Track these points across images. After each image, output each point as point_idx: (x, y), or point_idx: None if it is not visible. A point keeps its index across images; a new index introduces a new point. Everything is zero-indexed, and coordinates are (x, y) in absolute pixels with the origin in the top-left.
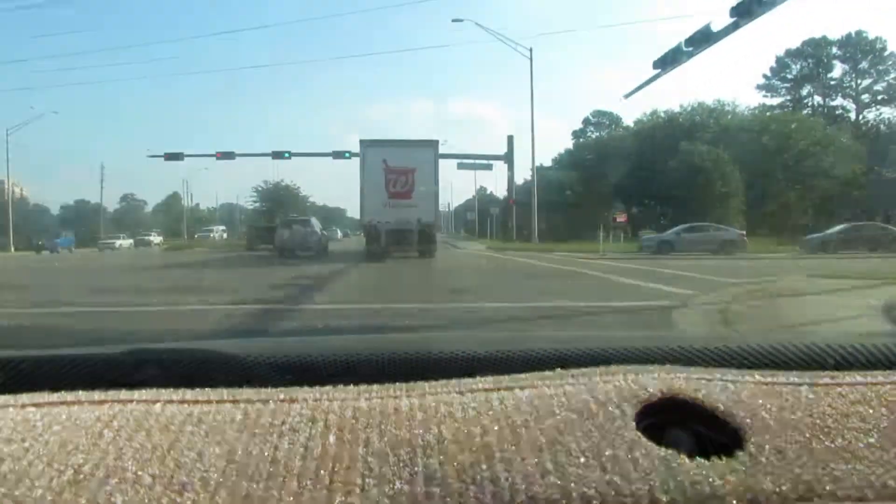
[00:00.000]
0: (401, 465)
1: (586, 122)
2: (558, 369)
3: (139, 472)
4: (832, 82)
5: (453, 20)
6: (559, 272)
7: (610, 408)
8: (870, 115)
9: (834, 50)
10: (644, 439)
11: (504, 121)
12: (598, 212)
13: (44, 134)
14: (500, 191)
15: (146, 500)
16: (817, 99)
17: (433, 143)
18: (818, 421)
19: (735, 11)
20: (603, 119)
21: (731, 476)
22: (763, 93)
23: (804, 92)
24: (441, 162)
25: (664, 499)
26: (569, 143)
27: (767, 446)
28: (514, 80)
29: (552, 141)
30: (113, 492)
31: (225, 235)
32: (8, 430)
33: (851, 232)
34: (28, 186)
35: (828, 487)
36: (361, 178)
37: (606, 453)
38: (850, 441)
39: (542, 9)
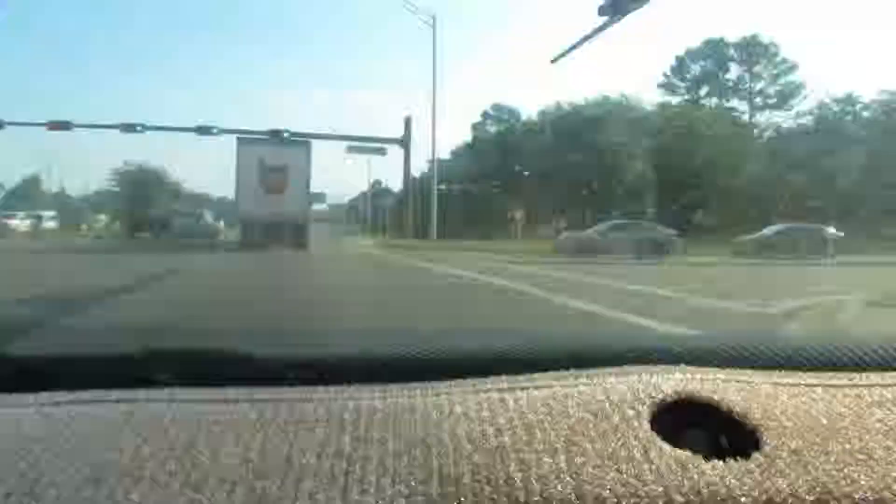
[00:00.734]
0: (416, 464)
1: (485, 115)
2: (573, 369)
3: (156, 471)
4: (729, 84)
5: None
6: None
7: (625, 408)
8: (762, 117)
9: (731, 52)
10: (659, 440)
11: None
12: (499, 208)
13: None
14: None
15: (163, 499)
16: (714, 100)
17: (306, 143)
18: (835, 422)
19: None
20: (502, 113)
21: (746, 477)
22: (663, 91)
23: (703, 92)
24: (335, 151)
25: (680, 500)
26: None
27: (783, 448)
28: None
29: (461, 131)
30: (130, 490)
31: (53, 224)
32: (26, 429)
33: (788, 233)
34: None
35: (845, 489)
36: (237, 174)
37: (621, 454)
38: (868, 443)
39: None
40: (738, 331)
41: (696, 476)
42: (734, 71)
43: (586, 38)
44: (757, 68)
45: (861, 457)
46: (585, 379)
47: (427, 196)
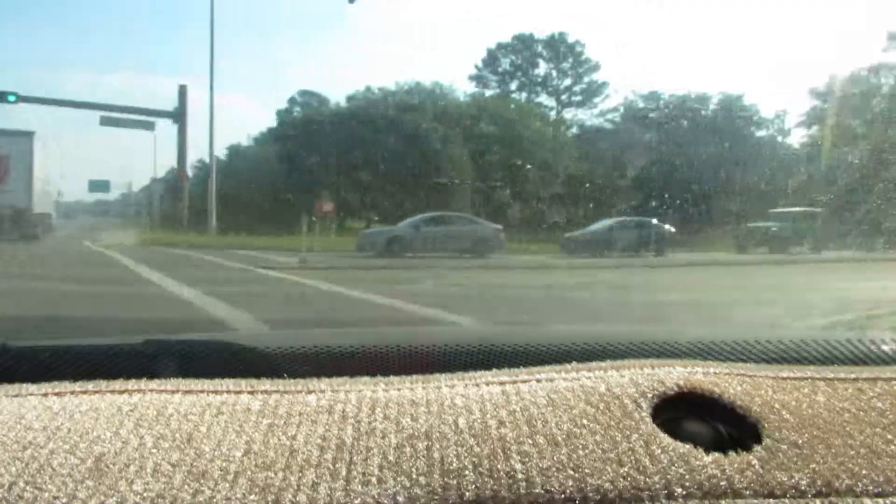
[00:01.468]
0: (418, 456)
1: (292, 101)
2: (575, 363)
3: (159, 461)
4: (538, 79)
5: None
6: None
7: (626, 402)
8: (568, 114)
9: (540, 48)
10: (661, 433)
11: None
12: (303, 199)
13: None
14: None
15: (166, 489)
16: (524, 95)
17: (29, 134)
18: (835, 416)
19: None
20: (311, 99)
21: (748, 471)
22: (475, 84)
23: (513, 86)
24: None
25: (681, 493)
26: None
27: (784, 441)
28: None
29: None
30: (133, 480)
31: None
32: (30, 419)
33: (619, 229)
34: None
35: (846, 483)
36: None
37: (623, 447)
38: (868, 437)
39: None
40: (740, 326)
41: (697, 469)
42: (542, 67)
43: None
44: (564, 65)
45: (862, 451)
46: (587, 372)
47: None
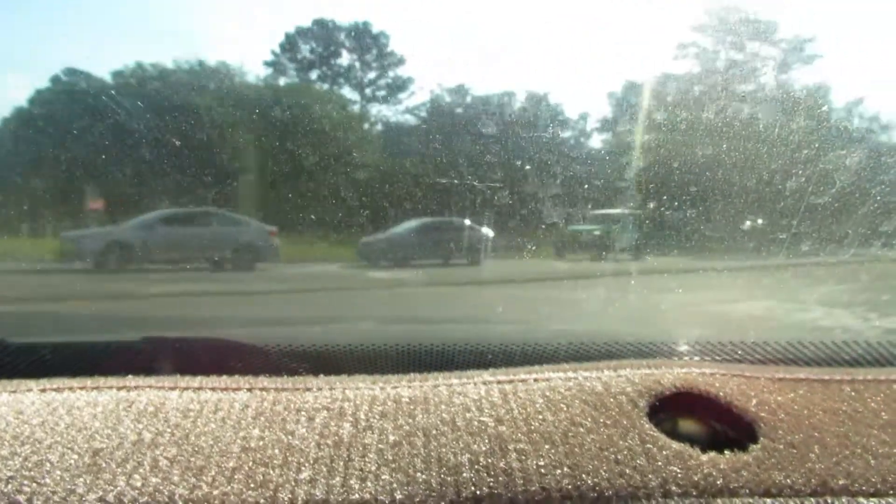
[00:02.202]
0: (415, 453)
1: (56, 80)
2: (572, 362)
3: (157, 457)
4: (340, 70)
5: None
6: None
7: (623, 401)
8: (373, 109)
9: (342, 37)
10: (657, 432)
11: None
12: (63, 193)
13: None
14: None
15: (163, 484)
16: (325, 86)
17: None
18: (831, 417)
19: None
20: (78, 79)
21: (744, 470)
22: (272, 71)
23: (313, 76)
24: None
25: (677, 492)
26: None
27: (781, 441)
28: None
29: None
30: (131, 475)
31: None
32: (29, 414)
33: (428, 231)
34: None
35: (841, 482)
36: None
37: (620, 446)
38: (864, 437)
39: None
40: (737, 327)
41: (693, 468)
42: (346, 58)
43: None
44: (368, 57)
45: (858, 451)
46: (584, 371)
47: None
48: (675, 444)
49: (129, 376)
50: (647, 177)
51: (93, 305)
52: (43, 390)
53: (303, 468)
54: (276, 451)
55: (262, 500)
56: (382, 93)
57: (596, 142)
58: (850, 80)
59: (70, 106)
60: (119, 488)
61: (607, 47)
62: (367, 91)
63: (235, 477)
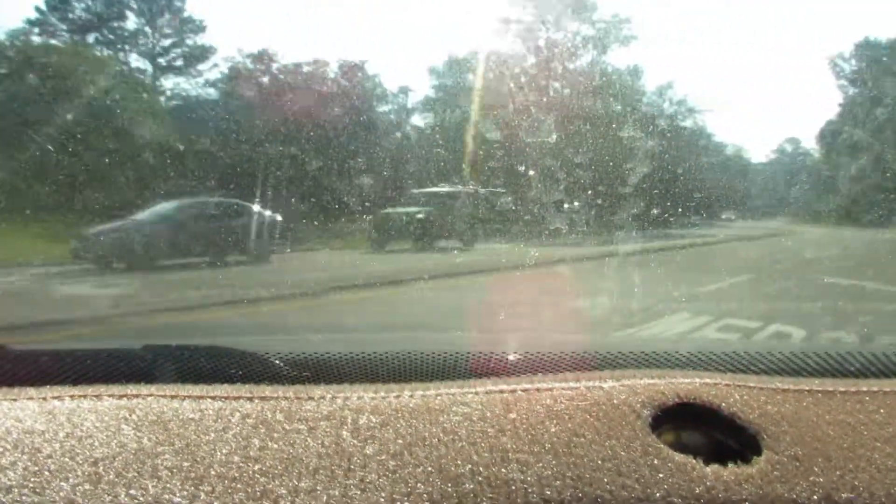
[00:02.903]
0: (416, 463)
1: None
2: (574, 371)
3: (157, 465)
4: (125, 35)
5: None
6: None
7: (626, 411)
8: (167, 82)
9: None
10: (660, 444)
11: None
12: None
13: None
14: None
15: (163, 493)
16: (108, 52)
17: None
18: (836, 429)
19: None
20: None
21: (747, 483)
22: (38, 32)
23: (91, 39)
24: None
25: None
26: None
27: (785, 453)
28: None
29: None
30: (131, 484)
31: None
32: (30, 422)
33: (192, 217)
34: None
35: (845, 495)
36: None
37: (622, 457)
38: (869, 449)
39: None
40: (741, 337)
41: (696, 480)
42: (132, 21)
43: None
44: (159, 22)
45: (862, 463)
46: (587, 381)
47: None
48: (678, 456)
49: (130, 384)
50: (470, 156)
51: None
52: (44, 398)
53: (303, 478)
54: (277, 460)
55: None
56: (179, 62)
57: (418, 118)
58: (663, 63)
59: None
60: (118, 497)
61: (428, 18)
62: (161, 60)
63: (236, 486)
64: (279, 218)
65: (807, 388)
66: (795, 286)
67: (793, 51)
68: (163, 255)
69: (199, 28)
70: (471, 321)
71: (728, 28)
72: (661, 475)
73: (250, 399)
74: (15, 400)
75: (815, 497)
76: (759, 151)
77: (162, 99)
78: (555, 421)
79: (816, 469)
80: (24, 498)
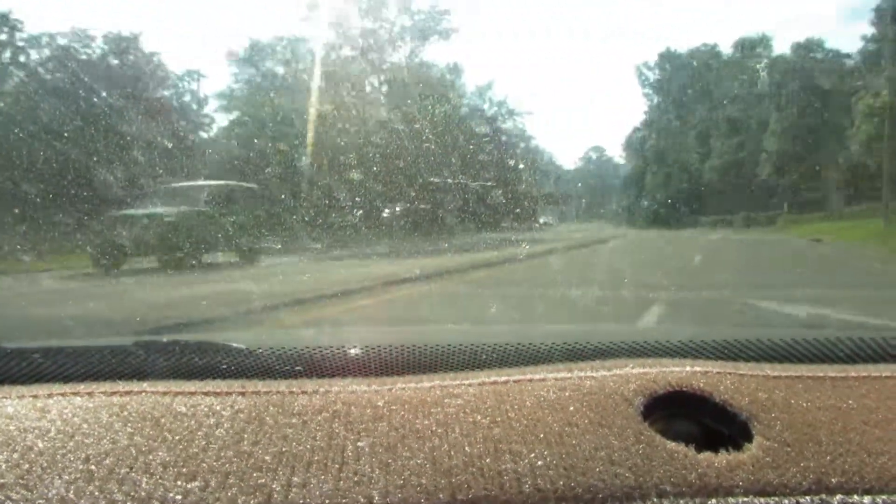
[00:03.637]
0: (409, 456)
1: None
2: (566, 362)
3: (149, 462)
4: None
5: None
6: None
7: (618, 400)
8: None
9: None
10: (652, 432)
11: None
12: None
13: None
14: None
15: (156, 489)
16: None
17: None
18: (826, 414)
19: None
20: None
21: (738, 470)
22: None
23: None
24: None
25: (672, 491)
26: None
27: (776, 440)
28: None
29: None
30: (123, 480)
31: None
32: (22, 420)
33: None
34: None
35: (836, 480)
36: None
37: (614, 446)
38: (859, 434)
39: None
40: (731, 324)
41: (688, 468)
42: None
43: None
44: None
45: (853, 448)
46: (579, 371)
47: None
48: (670, 444)
49: (122, 381)
50: (258, 151)
51: None
52: (35, 396)
53: (297, 472)
54: (270, 455)
55: None
56: None
57: (214, 107)
58: (485, 59)
59: None
60: (112, 494)
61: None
62: None
63: (229, 481)
64: None
65: (797, 375)
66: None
67: (602, 60)
68: None
69: None
70: None
71: (545, 35)
72: (653, 463)
73: (242, 394)
74: (6, 398)
75: (807, 482)
76: (567, 158)
77: None
78: (547, 411)
79: (807, 454)
80: (16, 495)
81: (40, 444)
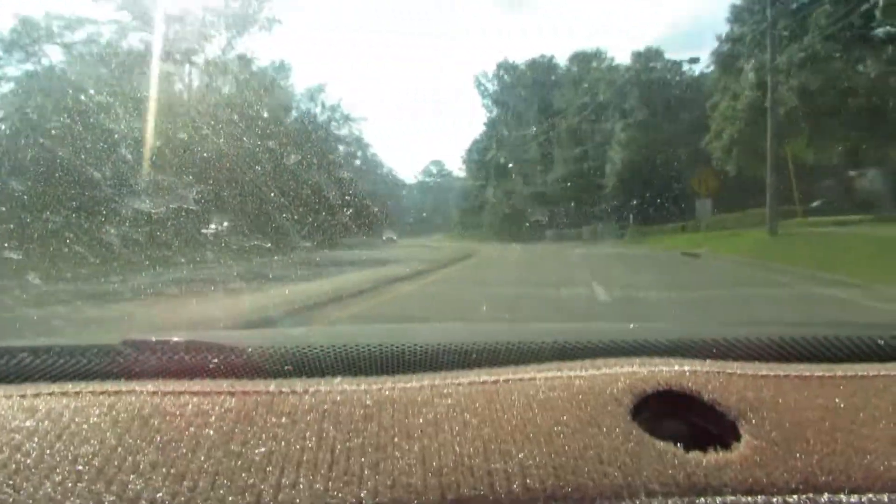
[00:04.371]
0: (399, 455)
1: None
2: (556, 361)
3: (138, 462)
4: None
5: None
6: None
7: (607, 399)
8: None
9: None
10: (641, 431)
11: None
12: None
13: None
14: None
15: (145, 490)
16: None
17: None
18: (814, 413)
19: None
20: None
21: (727, 468)
22: None
23: None
24: None
25: (660, 490)
26: None
27: (763, 439)
28: None
29: None
30: (112, 481)
31: None
32: (8, 420)
33: None
34: None
35: (823, 479)
36: None
37: (603, 445)
38: (847, 433)
39: None
40: (719, 323)
41: (677, 467)
42: None
43: None
44: None
45: (841, 447)
46: (568, 371)
47: None
48: (659, 443)
49: (110, 381)
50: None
51: None
52: (23, 395)
53: (286, 472)
54: (259, 455)
55: None
56: None
57: None
58: (318, 62)
59: None
60: (100, 495)
61: None
62: None
63: (218, 482)
64: None
65: (785, 374)
66: None
67: (444, 72)
68: None
69: None
70: None
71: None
72: (642, 462)
73: (231, 393)
74: None
75: (795, 481)
76: (408, 172)
77: None
78: (537, 411)
79: (795, 453)
80: (3, 496)
81: (28, 445)
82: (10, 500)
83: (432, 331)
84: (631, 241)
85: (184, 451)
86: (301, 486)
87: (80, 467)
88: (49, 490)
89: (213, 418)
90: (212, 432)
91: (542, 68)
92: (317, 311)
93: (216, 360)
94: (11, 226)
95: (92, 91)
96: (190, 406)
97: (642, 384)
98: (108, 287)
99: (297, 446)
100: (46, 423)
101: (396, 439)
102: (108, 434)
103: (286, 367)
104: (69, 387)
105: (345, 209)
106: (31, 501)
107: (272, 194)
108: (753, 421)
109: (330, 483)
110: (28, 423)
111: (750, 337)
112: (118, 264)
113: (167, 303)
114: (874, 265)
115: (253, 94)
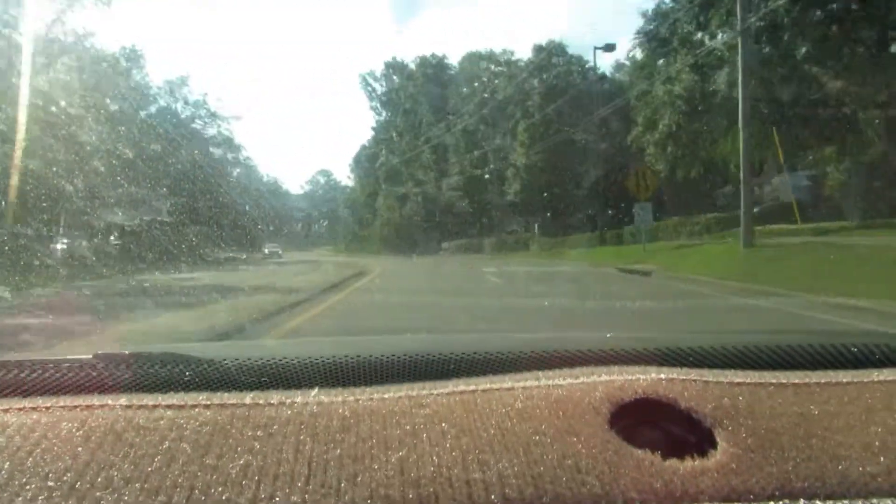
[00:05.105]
0: (376, 466)
1: None
2: (535, 370)
3: (112, 477)
4: None
5: None
6: None
7: (585, 409)
8: None
9: None
10: (619, 440)
11: None
12: None
13: None
14: None
15: None
16: None
17: None
18: (790, 420)
19: None
20: None
21: (704, 476)
22: None
23: None
24: None
25: (638, 498)
26: None
27: (739, 446)
28: None
29: None
30: (84, 496)
31: None
32: None
33: None
34: None
35: (798, 485)
36: None
37: (581, 454)
38: (822, 440)
39: None
40: (695, 332)
41: (654, 475)
42: None
43: None
44: None
45: (815, 453)
46: (546, 380)
47: None
48: (637, 452)
49: (81, 395)
50: None
51: None
52: None
53: (263, 485)
54: (236, 468)
55: None
56: None
57: None
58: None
59: None
60: None
61: None
62: None
63: (193, 496)
64: None
65: (760, 381)
66: None
67: (330, 76)
68: None
69: None
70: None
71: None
72: (620, 471)
73: (207, 406)
74: None
75: (770, 487)
76: (294, 183)
77: None
78: (515, 420)
79: (771, 460)
80: None
81: (2, 463)
82: None
83: (409, 341)
84: (545, 255)
85: (158, 465)
86: (278, 500)
87: (52, 483)
88: None
89: (189, 432)
90: (187, 446)
91: (434, 65)
92: None
93: (190, 373)
94: None
95: None
96: (164, 420)
97: (620, 393)
98: None
99: (274, 459)
100: (17, 438)
101: (374, 450)
102: (80, 449)
103: (262, 380)
104: (40, 402)
105: (212, 220)
106: None
107: (97, 201)
108: (729, 428)
109: (307, 496)
110: (2, 440)
111: (726, 345)
112: None
113: None
114: None
115: (78, 77)
